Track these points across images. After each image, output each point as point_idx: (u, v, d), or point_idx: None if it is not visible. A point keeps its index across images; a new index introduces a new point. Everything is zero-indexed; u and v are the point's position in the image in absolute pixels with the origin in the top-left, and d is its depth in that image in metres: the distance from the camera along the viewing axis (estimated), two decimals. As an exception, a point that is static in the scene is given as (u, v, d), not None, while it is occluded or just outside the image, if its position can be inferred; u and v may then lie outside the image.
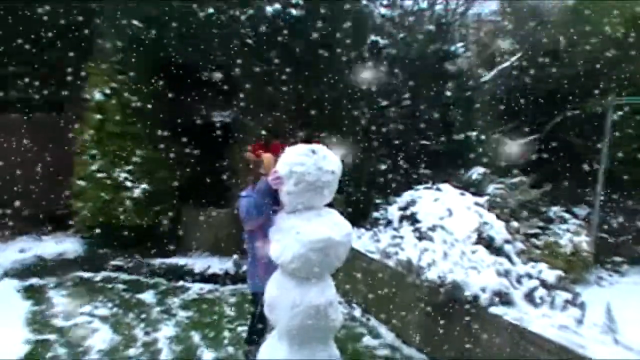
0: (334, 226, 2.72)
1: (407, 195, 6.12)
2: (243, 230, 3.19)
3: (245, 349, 3.47)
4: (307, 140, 3.55)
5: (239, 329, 4.82)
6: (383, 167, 7.75)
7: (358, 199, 6.94)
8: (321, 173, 2.71)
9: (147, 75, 6.66)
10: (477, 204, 5.39)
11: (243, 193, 3.28)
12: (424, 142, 8.04)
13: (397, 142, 7.94)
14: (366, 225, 6.35)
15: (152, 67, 6.57)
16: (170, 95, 6.70)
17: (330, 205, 2.88)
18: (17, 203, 6.71)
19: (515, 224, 5.82)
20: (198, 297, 5.86)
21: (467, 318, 3.93)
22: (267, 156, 3.14)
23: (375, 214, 6.52)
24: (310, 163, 2.69)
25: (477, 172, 7.20)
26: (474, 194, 5.96)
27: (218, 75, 6.62)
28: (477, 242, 4.70)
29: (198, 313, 5.26)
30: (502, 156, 7.70)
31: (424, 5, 9.21)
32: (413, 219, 5.54)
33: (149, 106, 6.73)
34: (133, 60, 6.54)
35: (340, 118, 7.06)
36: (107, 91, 6.65)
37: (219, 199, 7.07)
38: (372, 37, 7.80)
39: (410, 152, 7.96)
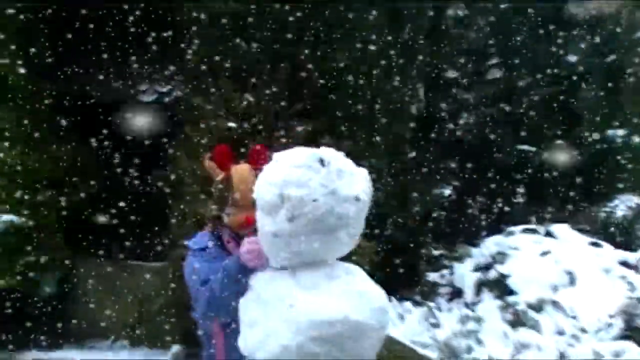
0: (355, 297, 2.63)
1: (490, 244, 6.38)
2: (191, 307, 3.14)
3: None
4: (311, 142, 3.55)
5: None
6: (447, 192, 7.83)
7: (401, 248, 7.05)
8: (335, 200, 2.63)
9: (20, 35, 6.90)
10: (623, 263, 5.50)
11: (193, 242, 3.24)
12: (523, 147, 8.06)
13: (474, 147, 8.11)
14: (415, 295, 6.53)
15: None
16: (60, 63, 7.03)
17: (349, 258, 2.86)
18: None
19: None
20: None
21: None
22: (240, 170, 3.24)
23: (433, 276, 6.74)
24: (316, 182, 2.61)
25: (624, 203, 7.19)
26: (617, 245, 6.04)
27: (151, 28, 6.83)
28: (625, 335, 4.74)
29: None
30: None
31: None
32: (501, 288, 5.72)
33: (23, 82, 6.96)
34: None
35: (368, 104, 7.29)
36: None
37: (148, 245, 7.26)
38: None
39: (499, 166, 8.08)
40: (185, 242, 3.32)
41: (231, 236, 3.19)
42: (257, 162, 3.13)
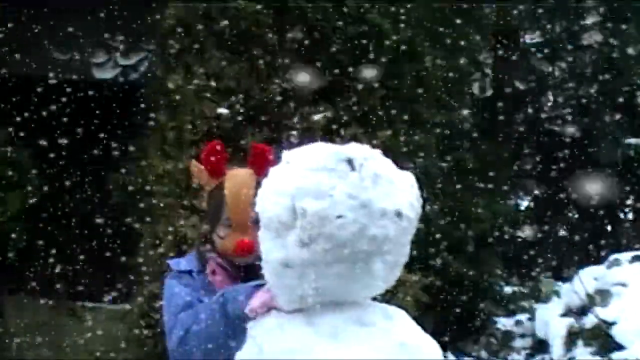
0: (395, 352, 2.66)
1: (586, 278, 6.34)
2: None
3: None
4: (334, 135, 3.57)
5: None
6: (525, 204, 7.87)
7: (459, 284, 7.13)
8: (368, 216, 2.63)
9: None
10: None
11: (176, 263, 3.35)
12: (632, 140, 8.13)
13: (562, 141, 8.12)
14: (479, 350, 6.55)
15: None
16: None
17: (388, 298, 2.84)
18: None
19: None
20: None
21: None
22: (235, 176, 3.30)
23: (504, 322, 6.74)
24: (341, 192, 2.62)
25: None
26: None
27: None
28: None
29: None
30: None
31: None
32: (603, 341, 5.69)
33: None
34: None
35: (413, 83, 7.33)
36: None
37: (105, 279, 7.31)
38: None
39: (599, 167, 8.27)
40: (167, 261, 3.39)
41: (220, 265, 3.24)
42: (261, 166, 3.15)
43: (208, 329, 3.03)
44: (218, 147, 3.34)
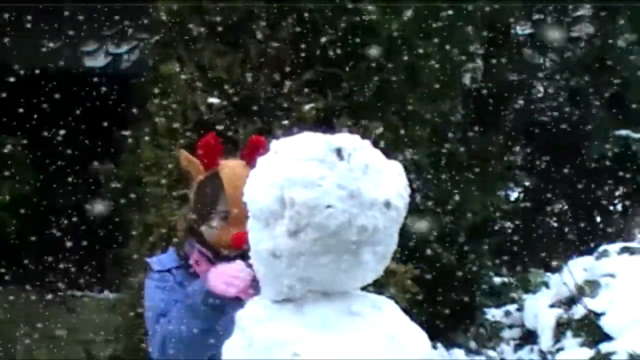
0: (385, 343, 2.68)
1: (576, 269, 6.34)
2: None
3: None
4: (324, 125, 3.56)
5: None
6: (514, 195, 7.88)
7: (449, 274, 7.12)
8: (357, 206, 2.63)
9: None
10: None
11: (157, 261, 3.39)
12: (623, 132, 8.24)
13: (552, 133, 8.15)
14: (469, 341, 6.57)
15: None
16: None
17: (377, 288, 2.83)
18: None
19: None
20: None
21: None
22: (231, 168, 3.32)
23: (494, 313, 6.75)
24: (330, 182, 2.61)
25: None
26: None
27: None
28: None
29: None
30: None
31: None
32: (592, 332, 5.68)
33: None
34: None
35: (404, 73, 7.32)
36: None
37: (95, 269, 7.37)
38: None
39: (589, 160, 8.45)
40: (147, 260, 3.41)
41: (203, 255, 3.24)
42: (255, 158, 3.13)
43: (183, 333, 3.07)
44: (213, 139, 3.34)
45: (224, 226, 3.23)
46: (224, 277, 3.04)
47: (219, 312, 3.09)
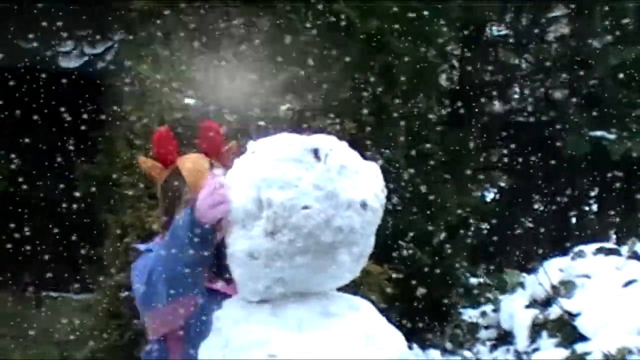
0: (360, 343, 2.66)
1: (551, 270, 6.34)
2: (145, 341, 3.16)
3: None
4: (300, 126, 3.56)
5: None
6: (490, 195, 7.91)
7: (425, 275, 7.09)
8: (334, 207, 2.63)
9: None
10: None
11: (145, 246, 3.33)
12: (598, 133, 8.25)
13: (528, 133, 8.16)
14: (444, 341, 6.58)
15: None
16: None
17: (353, 289, 2.84)
18: None
19: None
20: None
21: None
22: (190, 161, 3.27)
23: (470, 314, 6.76)
24: (307, 182, 2.62)
25: None
26: None
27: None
28: None
29: None
30: None
31: None
32: (567, 332, 5.70)
33: None
34: None
35: (380, 72, 7.32)
36: None
37: (70, 270, 7.32)
38: None
39: (564, 160, 8.32)
40: (136, 246, 3.36)
41: None
42: (211, 145, 3.19)
43: (171, 284, 2.96)
44: (165, 134, 3.34)
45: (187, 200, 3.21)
46: (209, 202, 2.95)
47: (206, 240, 2.99)
